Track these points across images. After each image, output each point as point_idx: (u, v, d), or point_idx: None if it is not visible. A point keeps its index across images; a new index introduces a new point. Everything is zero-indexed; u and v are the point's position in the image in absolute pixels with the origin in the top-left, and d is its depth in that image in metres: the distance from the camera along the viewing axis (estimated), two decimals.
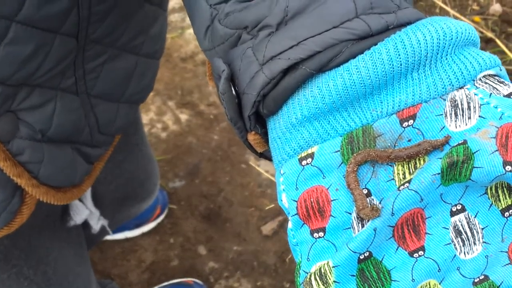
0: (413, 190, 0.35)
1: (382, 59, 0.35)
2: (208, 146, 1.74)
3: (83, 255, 0.96)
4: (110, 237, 1.55)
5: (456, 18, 2.08)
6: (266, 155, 0.43)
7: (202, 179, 1.69)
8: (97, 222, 0.97)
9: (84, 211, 0.91)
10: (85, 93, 0.69)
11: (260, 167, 1.69)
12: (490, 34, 2.01)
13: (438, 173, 0.35)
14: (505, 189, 0.36)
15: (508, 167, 0.34)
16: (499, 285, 0.37)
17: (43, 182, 0.70)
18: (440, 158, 0.35)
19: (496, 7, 2.12)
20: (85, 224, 0.98)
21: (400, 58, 0.35)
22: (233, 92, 0.40)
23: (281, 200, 0.38)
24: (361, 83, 0.36)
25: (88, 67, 0.66)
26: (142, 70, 0.75)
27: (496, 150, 0.34)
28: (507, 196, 0.37)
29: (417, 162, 0.36)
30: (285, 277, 1.52)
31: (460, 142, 0.35)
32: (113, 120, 0.76)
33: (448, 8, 2.11)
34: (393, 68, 0.36)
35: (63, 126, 0.68)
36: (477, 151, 0.35)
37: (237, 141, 1.73)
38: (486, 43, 2.03)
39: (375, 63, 0.36)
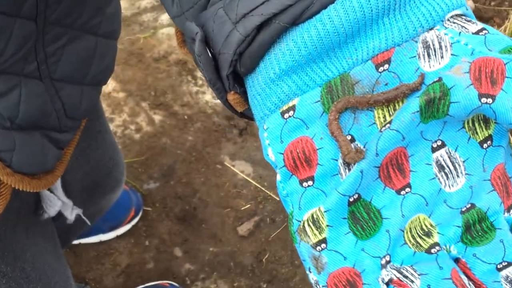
0: (395, 130, 0.36)
1: (353, 7, 0.36)
2: (183, 147, 1.73)
3: (58, 251, 0.95)
4: (84, 240, 1.54)
5: None
6: (246, 114, 0.44)
7: (177, 180, 1.67)
8: (71, 212, 0.96)
9: (57, 202, 0.89)
10: (49, 77, 0.68)
11: (235, 167, 1.68)
12: None
13: (417, 111, 0.36)
14: (481, 121, 0.38)
15: (483, 99, 0.35)
16: (486, 211, 0.38)
17: (17, 170, 0.69)
18: (418, 97, 0.36)
19: (469, 4, 2.13)
20: (61, 218, 0.97)
21: (370, 4, 0.36)
22: (209, 54, 0.40)
23: (267, 155, 0.39)
24: (335, 32, 0.37)
25: (49, 50, 0.66)
26: (102, 51, 0.74)
27: (471, 84, 0.35)
28: (483, 128, 0.38)
29: (396, 104, 0.37)
30: (262, 278, 1.51)
31: (435, 79, 0.36)
32: (79, 103, 0.75)
33: None
34: (364, 14, 0.36)
35: (31, 112, 0.67)
36: (452, 87, 0.36)
37: (212, 141, 1.72)
38: None
39: (346, 11, 0.36)
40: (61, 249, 0.98)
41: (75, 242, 1.53)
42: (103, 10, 0.72)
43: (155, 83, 1.87)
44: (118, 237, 1.57)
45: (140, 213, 1.60)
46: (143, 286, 1.47)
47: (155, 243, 1.57)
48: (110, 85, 1.84)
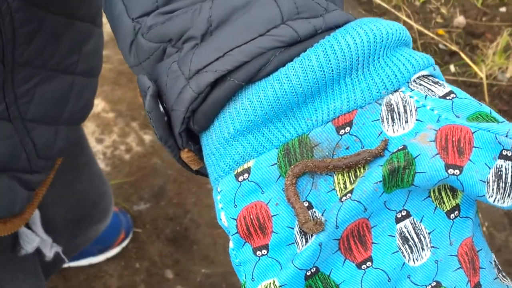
0: (356, 201, 0.34)
1: (313, 66, 0.35)
2: (173, 167, 1.71)
3: (40, 285, 0.92)
4: (74, 263, 1.52)
5: (420, 32, 2.08)
6: (202, 172, 0.42)
7: (167, 201, 1.66)
8: (50, 250, 0.93)
9: (35, 239, 0.87)
10: (19, 118, 0.65)
11: None
12: (454, 47, 2.02)
13: (380, 181, 0.34)
14: (448, 190, 0.36)
15: (450, 170, 0.34)
16: None
17: None
18: (381, 166, 0.34)
19: (460, 20, 2.13)
20: (39, 254, 0.94)
21: (331, 63, 0.35)
22: (161, 109, 0.38)
23: (221, 219, 0.37)
24: (293, 92, 0.35)
25: (19, 91, 0.63)
26: (79, 89, 0.72)
27: (437, 154, 0.34)
28: (450, 198, 0.36)
29: (358, 170, 0.36)
30: None
31: (399, 147, 0.35)
32: (52, 144, 0.72)
33: (411, 22, 2.11)
34: (325, 74, 0.35)
35: None
36: (417, 156, 0.34)
37: None
38: (451, 56, 2.03)
39: (305, 70, 0.35)
40: (44, 282, 0.95)
41: (65, 265, 1.50)
42: (80, 49, 0.70)
43: None
44: (108, 259, 1.55)
45: (130, 235, 1.58)
46: None
47: (146, 265, 1.55)
48: (99, 106, 1.82)
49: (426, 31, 2.09)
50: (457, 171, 0.34)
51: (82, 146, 1.00)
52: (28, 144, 0.68)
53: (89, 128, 1.77)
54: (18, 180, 0.70)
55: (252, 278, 0.36)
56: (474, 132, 0.34)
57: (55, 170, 0.79)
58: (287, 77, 0.35)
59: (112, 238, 1.53)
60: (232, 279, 1.52)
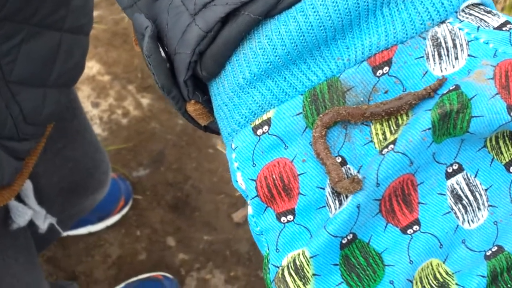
0: (400, 153, 0.29)
1: None
2: (173, 131, 1.67)
3: (32, 262, 0.89)
4: (72, 232, 1.49)
5: None
6: (212, 128, 0.37)
7: (167, 167, 1.61)
8: (43, 221, 0.89)
9: (27, 212, 0.83)
10: (3, 79, 0.61)
11: None
12: None
13: (429, 128, 0.29)
14: (507, 138, 0.31)
15: None
16: None
17: None
18: (429, 110, 0.29)
19: None
20: (33, 225, 0.91)
21: None
22: (162, 53, 0.33)
23: (237, 181, 0.32)
24: (320, 26, 0.30)
25: (1, 49, 0.58)
26: (68, 47, 0.66)
27: (497, 93, 0.29)
28: (510, 147, 0.31)
29: (399, 118, 0.31)
30: (260, 266, 1.47)
31: (451, 87, 0.29)
32: (40, 108, 0.67)
33: None
34: (358, 3, 0.30)
35: None
36: (473, 97, 0.29)
37: None
38: None
39: None
40: (36, 257, 0.91)
41: (63, 234, 1.47)
42: (68, 3, 0.64)
43: (141, 64, 1.79)
44: (108, 227, 1.52)
45: (130, 202, 1.55)
46: (135, 278, 1.43)
47: (147, 233, 1.52)
48: (94, 68, 1.76)
49: None
50: None
51: (75, 110, 0.95)
52: (15, 108, 0.63)
53: (84, 91, 1.71)
54: (4, 148, 0.65)
55: (277, 249, 0.31)
56: None
57: (45, 137, 0.74)
58: (313, 8, 0.30)
59: (111, 205, 1.49)
60: (235, 246, 1.49)
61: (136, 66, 1.79)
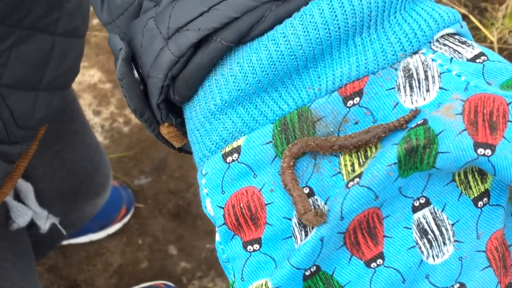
0: (365, 187, 0.29)
1: (315, 23, 0.29)
2: None
3: (29, 267, 0.88)
4: (74, 240, 1.48)
5: None
6: (187, 150, 0.36)
7: (169, 175, 1.61)
8: (45, 222, 0.88)
9: (27, 212, 0.82)
10: None
11: None
12: (463, 10, 1.96)
13: (395, 163, 0.28)
14: (476, 173, 0.31)
15: (480, 150, 0.28)
16: None
17: None
18: (396, 144, 0.29)
19: None
20: (34, 228, 0.90)
21: (337, 20, 0.29)
22: (136, 76, 0.33)
23: (206, 207, 0.32)
24: (291, 55, 0.29)
25: None
26: (61, 51, 0.65)
27: (464, 130, 0.28)
28: (479, 182, 0.31)
29: (368, 150, 0.30)
30: None
31: (419, 122, 0.29)
32: (32, 112, 0.66)
33: None
34: (330, 33, 0.29)
35: None
36: (441, 132, 0.28)
37: None
38: None
39: (306, 28, 0.29)
40: (33, 264, 0.91)
41: (65, 242, 1.47)
42: (61, 6, 0.63)
43: None
44: (109, 236, 1.51)
45: (132, 210, 1.54)
46: (137, 287, 1.42)
47: (149, 241, 1.51)
48: (95, 76, 1.76)
49: None
50: (488, 151, 0.28)
51: (72, 113, 0.93)
52: (5, 112, 0.62)
53: (85, 99, 1.70)
54: None
55: (242, 277, 0.31)
56: (509, 104, 0.28)
57: (37, 140, 0.73)
58: (284, 37, 0.29)
59: (113, 213, 1.48)
60: None
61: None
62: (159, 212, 1.55)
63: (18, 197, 0.83)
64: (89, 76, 1.74)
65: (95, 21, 1.80)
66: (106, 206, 1.39)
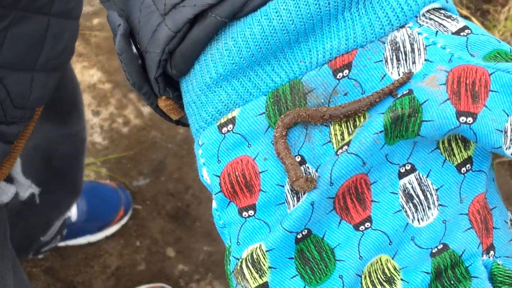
0: (353, 154, 0.31)
1: None
2: (173, 140, 1.65)
3: (4, 254, 0.87)
4: (71, 242, 1.48)
5: None
6: (184, 122, 0.38)
7: (168, 176, 1.60)
8: (26, 190, 0.89)
9: (10, 189, 0.83)
10: None
11: None
12: (465, 12, 1.95)
13: (381, 131, 0.30)
14: (459, 141, 0.33)
15: (462, 118, 0.30)
16: (461, 254, 0.33)
17: None
18: (382, 113, 0.31)
19: None
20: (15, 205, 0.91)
21: None
22: (134, 51, 0.34)
23: (202, 176, 0.34)
24: (283, 30, 0.31)
25: None
26: (55, 31, 0.66)
27: (448, 99, 0.30)
28: (462, 149, 0.33)
29: (357, 119, 0.32)
30: None
31: (404, 92, 0.31)
32: (28, 92, 0.67)
33: None
34: (320, 8, 0.31)
35: None
36: (425, 102, 0.30)
37: None
38: None
39: (297, 3, 0.30)
40: (10, 254, 0.90)
41: (62, 244, 1.46)
42: None
43: None
44: (107, 237, 1.50)
45: (130, 212, 1.53)
46: None
47: (147, 243, 1.50)
48: (95, 76, 1.75)
49: None
50: (470, 119, 0.30)
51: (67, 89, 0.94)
52: (1, 92, 0.63)
53: (85, 100, 1.70)
54: None
55: (238, 241, 0.32)
56: (491, 74, 0.30)
57: (34, 120, 0.73)
58: (276, 12, 0.31)
59: (111, 215, 1.47)
60: None
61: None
62: (157, 214, 1.54)
63: None
64: (88, 76, 1.73)
65: (95, 21, 1.80)
66: (104, 206, 1.39)
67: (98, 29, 1.81)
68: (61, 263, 1.47)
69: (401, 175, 0.32)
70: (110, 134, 1.66)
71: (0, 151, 0.67)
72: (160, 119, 1.66)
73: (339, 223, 0.32)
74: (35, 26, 0.63)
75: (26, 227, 0.98)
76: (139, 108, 1.71)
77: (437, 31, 0.32)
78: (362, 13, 0.31)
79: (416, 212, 0.32)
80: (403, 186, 0.32)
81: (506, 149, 0.30)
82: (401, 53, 0.31)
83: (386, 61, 0.32)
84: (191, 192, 1.57)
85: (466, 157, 0.33)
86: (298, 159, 0.32)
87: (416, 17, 0.32)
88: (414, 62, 0.31)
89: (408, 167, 0.32)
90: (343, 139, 0.32)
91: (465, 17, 1.96)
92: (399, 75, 0.32)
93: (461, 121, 0.30)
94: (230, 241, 0.33)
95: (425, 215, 0.32)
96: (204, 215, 1.54)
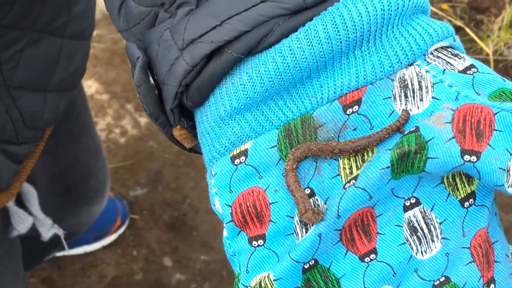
0: (360, 188, 0.31)
1: (319, 37, 0.31)
2: (170, 150, 1.66)
3: (19, 273, 0.88)
4: (68, 252, 1.47)
5: None
6: (197, 150, 0.39)
7: (165, 186, 1.60)
8: (48, 230, 0.89)
9: (27, 218, 0.83)
10: (4, 85, 0.61)
11: None
12: (459, 23, 1.96)
13: (388, 167, 0.31)
14: (463, 176, 0.33)
15: (466, 157, 0.31)
16: (462, 287, 0.33)
17: None
18: (389, 150, 0.32)
19: None
20: (35, 234, 0.90)
21: (339, 35, 0.31)
22: (152, 82, 0.35)
23: (214, 205, 0.35)
24: (297, 66, 0.32)
25: (3, 55, 0.59)
26: (69, 53, 0.67)
27: (453, 137, 0.31)
28: (466, 184, 0.33)
29: (365, 154, 0.33)
30: None
31: (411, 129, 0.32)
32: (41, 112, 0.68)
33: None
34: (332, 47, 0.32)
35: None
36: (431, 139, 0.31)
37: None
38: (455, 32, 1.98)
39: (311, 42, 0.31)
40: (21, 270, 0.90)
41: (59, 254, 1.46)
42: (69, 9, 0.65)
43: None
44: (104, 247, 1.50)
45: (127, 222, 1.53)
46: None
47: (144, 253, 1.50)
48: (92, 87, 1.76)
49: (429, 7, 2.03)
50: (474, 158, 0.31)
51: (71, 112, 0.94)
52: (15, 112, 0.64)
53: None
54: (4, 152, 0.66)
55: (247, 270, 0.33)
56: (496, 114, 0.31)
57: (44, 140, 0.74)
58: (290, 50, 0.32)
59: (108, 225, 1.48)
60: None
61: (135, 86, 1.78)
62: (154, 224, 1.55)
63: (20, 202, 0.83)
64: (86, 87, 1.74)
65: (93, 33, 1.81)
66: (101, 217, 1.39)
67: (96, 40, 1.82)
68: (58, 273, 1.48)
69: (406, 208, 0.33)
70: (107, 144, 1.67)
71: (10, 171, 0.68)
72: (157, 130, 1.66)
73: (345, 254, 0.33)
74: (49, 47, 0.64)
75: (38, 246, 0.98)
76: (136, 119, 1.72)
77: (444, 69, 0.32)
78: (373, 51, 0.32)
79: (420, 244, 0.33)
80: (408, 219, 0.33)
81: (508, 187, 0.31)
82: (409, 90, 0.32)
83: (395, 97, 0.32)
84: (188, 201, 1.58)
85: (469, 191, 0.33)
86: (307, 191, 0.33)
87: (424, 55, 0.33)
88: (421, 100, 0.32)
89: (413, 200, 0.33)
90: (351, 173, 0.33)
91: (459, 28, 1.97)
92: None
93: (465, 159, 0.31)
94: (240, 269, 0.34)
95: (428, 247, 0.33)
96: (201, 225, 1.54)
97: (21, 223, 0.82)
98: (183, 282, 1.46)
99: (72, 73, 0.70)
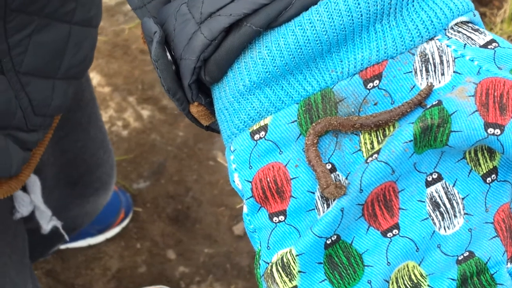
0: (383, 162, 0.31)
1: (340, 10, 0.31)
2: (173, 143, 1.66)
3: (24, 263, 0.88)
4: (72, 245, 1.48)
5: None
6: (214, 128, 0.39)
7: (168, 179, 1.60)
8: (48, 222, 0.89)
9: (30, 202, 0.82)
10: (13, 70, 0.61)
11: None
12: None
13: (411, 140, 0.31)
14: (485, 151, 0.33)
15: (490, 130, 0.31)
16: (486, 262, 0.33)
17: None
18: (412, 123, 0.31)
19: None
20: (36, 227, 0.91)
21: (360, 7, 0.31)
22: (169, 57, 0.35)
23: (234, 182, 0.34)
24: (317, 40, 0.32)
25: (12, 40, 0.59)
26: (77, 40, 0.67)
27: (476, 111, 0.31)
28: (488, 160, 0.33)
29: (386, 129, 0.33)
30: None
31: (434, 103, 0.32)
32: (49, 100, 0.68)
33: None
34: (353, 20, 0.31)
35: None
36: (454, 113, 0.31)
37: (204, 137, 1.65)
38: None
39: (331, 15, 0.31)
40: (27, 260, 0.91)
41: (62, 246, 1.46)
42: None
43: (142, 76, 1.78)
44: (107, 240, 1.51)
45: (130, 215, 1.53)
46: None
47: (147, 245, 1.50)
48: (94, 79, 1.76)
49: None
50: (497, 131, 0.31)
51: (80, 102, 0.94)
52: (24, 99, 0.64)
53: None
54: (13, 139, 0.66)
55: (268, 246, 0.33)
56: None
57: (52, 128, 0.74)
58: (310, 23, 0.31)
59: (111, 217, 1.48)
60: (236, 259, 1.48)
61: (137, 78, 1.78)
62: (157, 216, 1.55)
63: (24, 189, 0.83)
64: None
65: None
66: (104, 210, 1.39)
67: (98, 32, 1.81)
68: (62, 266, 1.48)
69: (428, 184, 0.33)
70: (110, 137, 1.67)
71: (20, 158, 0.68)
72: (160, 122, 1.66)
73: (367, 229, 0.32)
74: (57, 34, 0.64)
75: (41, 239, 0.98)
76: (139, 111, 1.72)
77: (465, 44, 0.32)
78: (393, 25, 0.32)
79: (442, 220, 0.33)
80: (430, 195, 0.33)
81: None
82: (431, 65, 0.32)
83: (416, 72, 0.32)
84: (191, 194, 1.58)
85: (491, 167, 0.33)
86: (328, 166, 0.33)
87: (445, 29, 0.32)
88: (443, 74, 0.32)
89: (435, 175, 0.33)
90: (372, 147, 0.32)
91: None
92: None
93: (489, 132, 0.30)
94: (260, 245, 0.34)
95: (451, 223, 0.33)
96: (204, 218, 1.54)
97: (24, 206, 0.82)
98: (187, 274, 1.46)
99: (81, 60, 0.70)
